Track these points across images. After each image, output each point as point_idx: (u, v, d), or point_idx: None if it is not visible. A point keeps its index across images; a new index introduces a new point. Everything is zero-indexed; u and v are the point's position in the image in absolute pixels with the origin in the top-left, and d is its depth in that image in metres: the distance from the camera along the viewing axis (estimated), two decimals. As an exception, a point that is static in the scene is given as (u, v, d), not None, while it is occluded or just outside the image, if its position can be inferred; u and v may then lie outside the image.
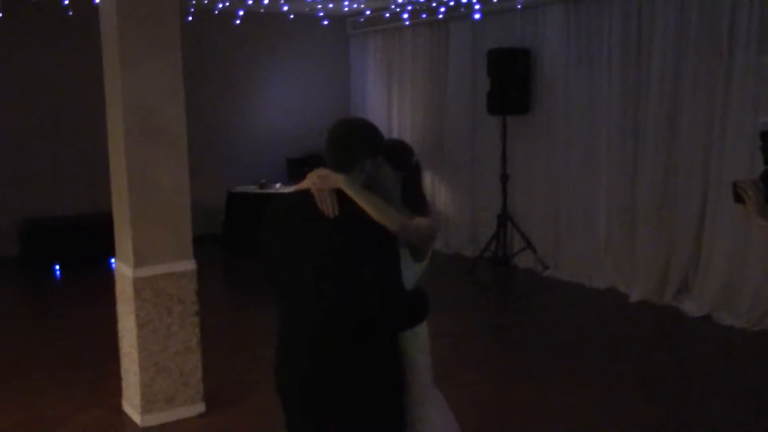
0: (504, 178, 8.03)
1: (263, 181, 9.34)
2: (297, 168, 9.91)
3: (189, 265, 4.54)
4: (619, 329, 6.21)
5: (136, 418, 4.52)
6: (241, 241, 9.11)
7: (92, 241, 7.92)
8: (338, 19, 10.35)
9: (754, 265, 5.98)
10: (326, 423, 2.64)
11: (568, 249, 7.68)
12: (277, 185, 9.38)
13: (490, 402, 4.71)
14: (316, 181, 2.61)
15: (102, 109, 4.56)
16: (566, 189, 7.67)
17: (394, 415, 2.72)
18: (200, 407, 4.64)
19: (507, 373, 5.28)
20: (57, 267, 8.39)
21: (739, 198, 2.62)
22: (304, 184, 2.67)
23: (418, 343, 2.81)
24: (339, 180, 2.57)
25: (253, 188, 9.33)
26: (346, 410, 2.62)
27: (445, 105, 9.11)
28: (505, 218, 8.07)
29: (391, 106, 10.10)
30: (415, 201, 2.83)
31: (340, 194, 2.55)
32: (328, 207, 2.54)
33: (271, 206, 2.80)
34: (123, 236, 4.50)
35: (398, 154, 2.82)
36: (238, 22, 9.10)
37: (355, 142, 2.64)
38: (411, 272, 2.72)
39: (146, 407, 4.47)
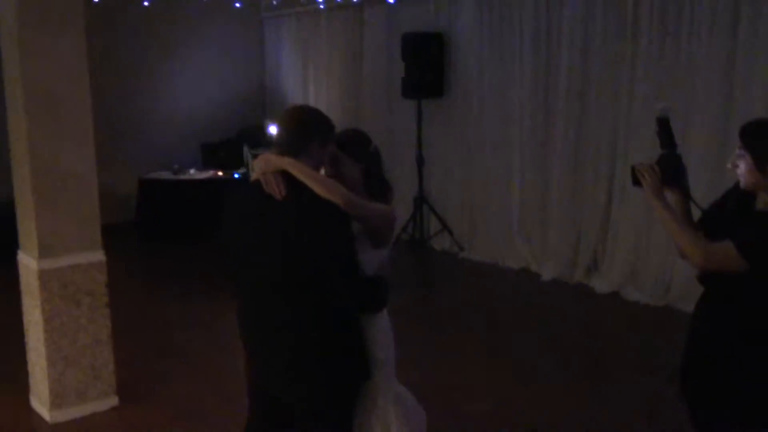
0: (420, 161, 8.09)
1: (177, 166, 9.12)
2: (211, 153, 9.72)
3: (98, 255, 4.39)
4: (533, 307, 6.39)
5: (45, 414, 4.37)
6: (155, 228, 8.90)
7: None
8: (251, 1, 10.16)
9: (657, 244, 6.24)
10: (289, 415, 2.72)
11: (483, 231, 7.83)
12: (192, 171, 9.18)
13: (409, 382, 4.76)
14: (261, 165, 2.62)
15: (1, 92, 4.35)
16: (480, 171, 7.80)
17: (348, 404, 2.74)
18: (113, 400, 4.52)
19: (426, 353, 5.35)
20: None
21: (637, 181, 2.73)
22: (255, 174, 2.67)
23: (377, 334, 2.80)
24: (283, 161, 2.57)
25: (166, 174, 9.10)
26: (307, 402, 2.67)
27: (361, 89, 9.10)
28: (421, 201, 8.15)
29: (307, 90, 10.02)
30: (376, 189, 2.82)
31: (288, 177, 2.56)
32: (274, 189, 2.55)
33: (228, 199, 2.81)
34: (27, 226, 4.31)
35: (355, 145, 2.82)
36: (146, 3, 8.82)
37: (300, 127, 2.66)
38: (372, 258, 2.72)
39: (56, 402, 4.33)
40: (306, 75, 10.02)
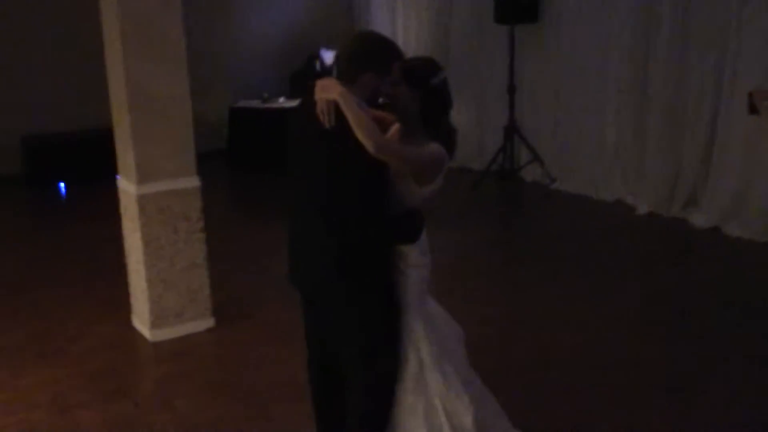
0: (511, 90, 7.86)
1: (266, 95, 9.18)
2: (300, 82, 9.72)
3: (193, 181, 4.49)
4: (626, 241, 6.20)
5: (146, 333, 4.57)
6: (246, 156, 9.04)
7: (97, 157, 7.81)
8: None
9: (763, 177, 5.90)
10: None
11: (576, 161, 7.60)
12: (281, 99, 9.23)
13: (496, 314, 4.74)
14: (319, 90, 2.62)
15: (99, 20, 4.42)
16: (575, 100, 7.51)
17: (385, 325, 2.78)
18: (209, 322, 4.68)
19: (513, 286, 5.30)
20: (62, 184, 8.37)
21: (753, 109, 2.52)
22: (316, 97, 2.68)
23: (411, 258, 2.80)
24: (336, 92, 2.56)
25: (256, 103, 9.19)
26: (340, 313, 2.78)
27: (452, 13, 8.83)
28: (512, 131, 7.95)
29: (395, 15, 9.80)
30: (433, 125, 2.74)
31: (338, 106, 2.56)
32: (324, 117, 2.58)
33: (290, 115, 2.93)
34: (125, 153, 4.44)
35: (416, 72, 2.72)
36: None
37: (359, 56, 2.64)
38: (414, 196, 2.72)
39: (156, 323, 4.52)
40: (395, 1, 9.80)
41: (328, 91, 2.58)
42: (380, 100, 2.74)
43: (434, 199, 2.81)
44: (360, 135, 2.50)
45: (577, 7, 7.34)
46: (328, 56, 9.45)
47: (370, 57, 2.63)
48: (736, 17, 5.92)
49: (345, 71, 2.65)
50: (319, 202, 2.67)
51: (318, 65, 9.54)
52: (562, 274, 5.46)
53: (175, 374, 4.17)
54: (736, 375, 3.96)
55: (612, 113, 7.17)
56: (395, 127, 2.81)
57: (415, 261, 2.81)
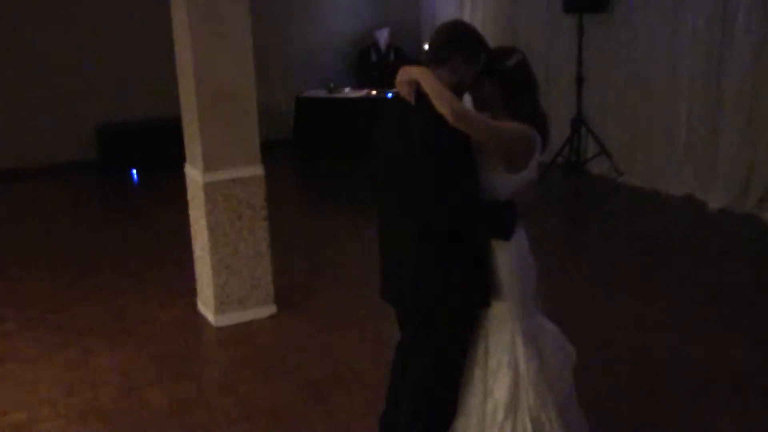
0: (579, 81, 7.72)
1: (332, 85, 9.24)
2: (366, 73, 9.75)
3: (258, 170, 4.56)
4: (696, 238, 6.02)
5: (211, 318, 4.68)
6: (311, 145, 9.13)
7: (168, 144, 8.01)
8: None
9: None
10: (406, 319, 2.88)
11: (645, 154, 7.41)
12: (346, 89, 9.28)
13: (563, 309, 4.66)
14: (399, 74, 2.66)
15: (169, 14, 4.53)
16: (645, 92, 7.32)
17: (457, 327, 2.74)
18: (271, 309, 4.77)
19: (580, 280, 5.22)
20: (134, 171, 8.62)
21: None
22: (396, 84, 2.71)
23: (507, 266, 2.69)
24: (416, 70, 2.59)
25: (322, 93, 9.26)
26: (418, 315, 2.74)
27: (519, 3, 8.72)
28: (579, 122, 7.80)
29: (462, 6, 9.72)
30: (517, 109, 2.66)
31: (420, 87, 2.58)
32: (407, 93, 2.58)
33: (379, 115, 2.88)
34: (192, 141, 4.54)
35: (492, 58, 2.69)
36: None
37: (445, 41, 2.65)
38: (504, 182, 2.63)
39: (220, 308, 4.62)
40: (461, -10, 9.72)
41: (406, 73, 2.62)
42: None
43: (530, 193, 2.69)
44: (438, 104, 2.48)
45: (650, -5, 7.14)
46: (383, 37, 9.43)
47: (461, 43, 2.63)
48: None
49: (435, 55, 2.64)
50: (405, 198, 2.62)
51: (373, 54, 9.55)
52: (628, 271, 5.35)
53: (238, 359, 4.26)
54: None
55: (684, 106, 6.96)
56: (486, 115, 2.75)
57: (512, 268, 2.69)
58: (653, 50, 7.18)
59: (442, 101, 2.48)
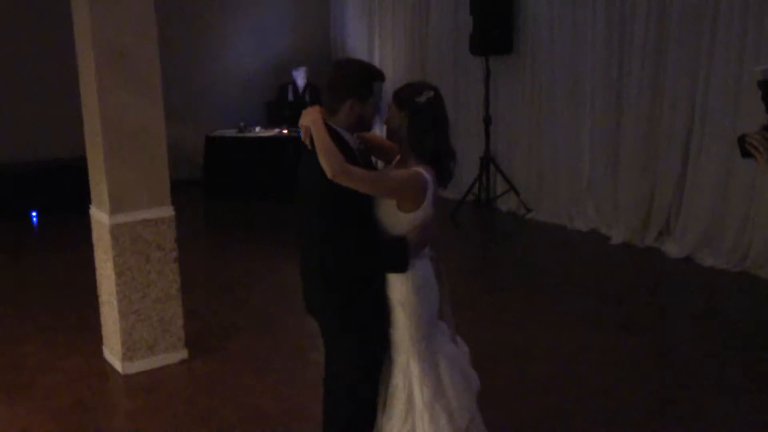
0: (487, 120, 7.93)
1: (243, 124, 9.17)
2: (276, 111, 9.74)
3: (167, 210, 4.45)
4: (601, 271, 6.23)
5: (118, 365, 4.49)
6: (221, 185, 9.00)
7: (71, 186, 7.75)
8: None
9: (736, 207, 5.98)
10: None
11: (551, 191, 7.66)
12: (257, 129, 9.22)
13: (475, 343, 4.71)
14: (301, 117, 2.72)
15: (73, 49, 4.40)
16: (550, 131, 7.60)
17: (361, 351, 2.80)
18: (182, 354, 4.61)
19: (491, 314, 5.29)
20: (34, 214, 8.25)
21: (747, 153, 2.47)
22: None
23: (401, 294, 2.73)
24: (310, 118, 2.66)
25: (232, 132, 9.17)
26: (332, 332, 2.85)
27: (428, 45, 8.94)
28: (488, 161, 8.01)
29: (372, 46, 9.90)
30: (417, 144, 2.70)
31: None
32: (304, 137, 2.69)
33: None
34: (98, 182, 4.39)
35: (402, 92, 2.74)
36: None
37: (337, 85, 2.68)
38: (400, 223, 2.70)
39: (127, 355, 4.44)
40: (371, 30, 9.89)
41: (305, 118, 2.67)
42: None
43: (429, 229, 2.73)
44: (321, 160, 2.57)
45: (550, 38, 7.45)
46: (300, 77, 9.47)
47: (348, 84, 2.66)
48: (707, 50, 6.04)
49: (327, 103, 2.70)
50: (309, 226, 2.75)
51: (290, 92, 9.56)
52: (538, 304, 5.47)
53: (147, 408, 4.09)
54: (709, 403, 3.96)
55: (586, 145, 7.26)
56: (396, 159, 2.84)
57: (406, 296, 2.72)
58: (555, 90, 7.47)
59: (323, 157, 2.57)
